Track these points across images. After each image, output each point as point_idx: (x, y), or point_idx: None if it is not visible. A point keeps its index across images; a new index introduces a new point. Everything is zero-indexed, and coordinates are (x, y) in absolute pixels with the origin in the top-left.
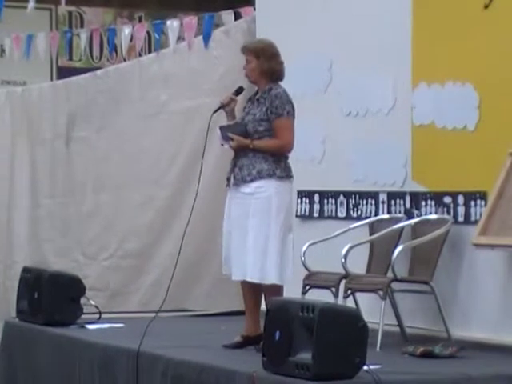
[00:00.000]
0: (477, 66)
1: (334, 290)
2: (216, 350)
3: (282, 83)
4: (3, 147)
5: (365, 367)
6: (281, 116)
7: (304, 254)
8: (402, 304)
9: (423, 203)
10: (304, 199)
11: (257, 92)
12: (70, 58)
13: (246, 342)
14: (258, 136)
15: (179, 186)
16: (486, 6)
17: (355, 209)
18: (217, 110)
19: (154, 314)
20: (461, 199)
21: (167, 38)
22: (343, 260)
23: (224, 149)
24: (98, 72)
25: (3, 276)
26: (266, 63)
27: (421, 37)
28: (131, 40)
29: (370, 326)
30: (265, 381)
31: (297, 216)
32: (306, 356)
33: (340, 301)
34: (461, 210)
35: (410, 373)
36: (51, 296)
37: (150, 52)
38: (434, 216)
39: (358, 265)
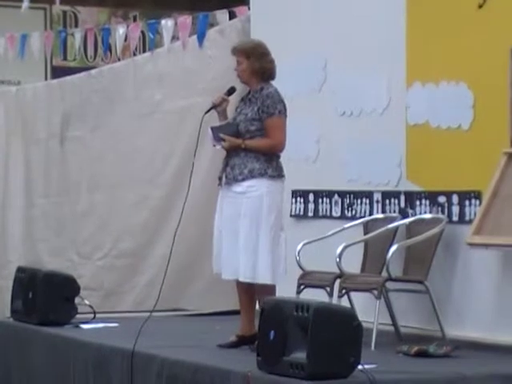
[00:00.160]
0: (471, 66)
1: (328, 289)
2: (211, 349)
3: (276, 82)
4: None
5: (359, 366)
6: (272, 115)
7: (299, 253)
8: (396, 303)
9: (418, 203)
10: (298, 199)
11: (249, 92)
12: (65, 58)
13: (241, 342)
14: (250, 135)
15: (174, 185)
16: (480, 6)
17: (350, 208)
18: (208, 111)
19: (149, 314)
20: (455, 199)
21: (161, 38)
22: (338, 259)
23: (217, 149)
24: (93, 71)
25: None
26: (256, 63)
27: (415, 36)
28: (126, 39)
29: (364, 325)
30: (259, 380)
31: (291, 215)
32: (300, 355)
33: (335, 300)
34: (455, 209)
35: (404, 372)
36: (45, 296)
37: (144, 51)
38: (428, 215)
39: (353, 264)
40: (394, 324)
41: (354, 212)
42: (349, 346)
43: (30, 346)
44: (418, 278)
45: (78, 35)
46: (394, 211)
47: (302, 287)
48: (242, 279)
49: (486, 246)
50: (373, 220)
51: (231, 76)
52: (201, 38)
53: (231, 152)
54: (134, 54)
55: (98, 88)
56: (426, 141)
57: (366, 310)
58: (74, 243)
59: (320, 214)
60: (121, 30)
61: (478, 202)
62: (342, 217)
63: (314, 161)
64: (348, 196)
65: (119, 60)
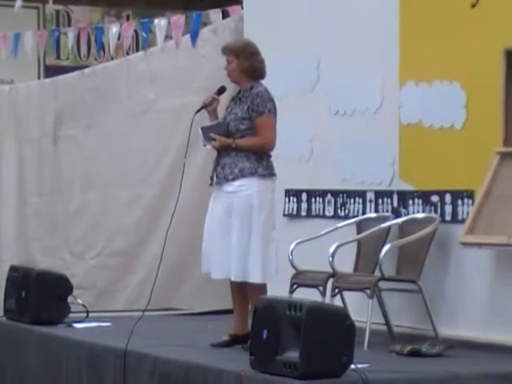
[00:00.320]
0: (464, 65)
1: (321, 288)
2: (203, 348)
3: (270, 82)
4: None
5: (352, 366)
6: (262, 114)
7: (291, 252)
8: (389, 303)
9: (410, 202)
10: (292, 198)
11: (239, 91)
12: (58, 57)
13: (234, 341)
14: (240, 135)
15: (167, 184)
16: (474, 5)
17: (343, 208)
18: (199, 110)
19: (141, 313)
20: (448, 198)
21: (155, 37)
22: (331, 259)
23: (209, 149)
24: (86, 70)
25: None
26: (246, 62)
27: (408, 36)
28: (119, 39)
29: (357, 324)
30: (252, 380)
31: (284, 215)
32: (293, 355)
33: (327, 299)
34: (448, 208)
35: (397, 371)
36: (38, 295)
37: (137, 51)
38: (421, 215)
39: (346, 264)
40: (387, 323)
41: (346, 211)
42: (342, 345)
43: (22, 345)
44: (411, 277)
45: (71, 34)
46: (387, 210)
47: (294, 286)
48: (233, 279)
49: (479, 245)
50: (366, 219)
51: (224, 75)
52: (194, 37)
53: (222, 152)
54: (127, 53)
55: (91, 87)
56: (419, 140)
57: (359, 309)
58: (66, 242)
59: (313, 213)
60: (114, 29)
61: (470, 201)
62: (335, 216)
63: (307, 160)
64: (341, 195)
65: (112, 59)
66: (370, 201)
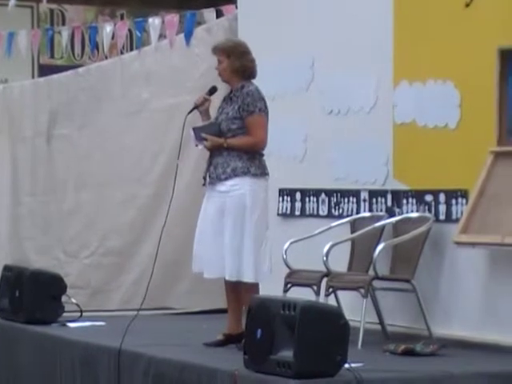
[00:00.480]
0: (458, 64)
1: (315, 288)
2: (197, 348)
3: (263, 81)
4: None
5: (346, 365)
6: (253, 113)
7: (286, 252)
8: (383, 302)
9: (404, 201)
10: (285, 197)
11: (231, 91)
12: (52, 56)
13: (228, 341)
14: (232, 134)
15: (161, 184)
16: (467, 5)
17: (337, 207)
18: (191, 111)
19: (136, 312)
20: (442, 197)
21: (149, 36)
22: (325, 258)
23: (201, 150)
24: (80, 70)
25: None
26: (237, 61)
27: (402, 35)
28: (113, 38)
29: (351, 323)
30: (246, 379)
31: (278, 214)
32: (287, 354)
33: (321, 299)
34: (442, 208)
35: (391, 371)
36: (32, 294)
37: (131, 50)
38: (415, 214)
39: (340, 263)
40: (381, 323)
41: (340, 211)
42: (336, 344)
43: (16, 344)
44: (405, 276)
45: (65, 33)
46: (381, 210)
47: (288, 286)
48: (228, 278)
49: (473, 244)
50: (360, 219)
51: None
52: (188, 36)
53: (214, 151)
54: (122, 53)
55: (85, 86)
56: (413, 140)
57: (353, 308)
58: (60, 241)
59: (307, 212)
60: (108, 29)
61: (464, 200)
62: (329, 215)
63: (301, 159)
64: (335, 195)
65: (106, 58)
66: (364, 200)
